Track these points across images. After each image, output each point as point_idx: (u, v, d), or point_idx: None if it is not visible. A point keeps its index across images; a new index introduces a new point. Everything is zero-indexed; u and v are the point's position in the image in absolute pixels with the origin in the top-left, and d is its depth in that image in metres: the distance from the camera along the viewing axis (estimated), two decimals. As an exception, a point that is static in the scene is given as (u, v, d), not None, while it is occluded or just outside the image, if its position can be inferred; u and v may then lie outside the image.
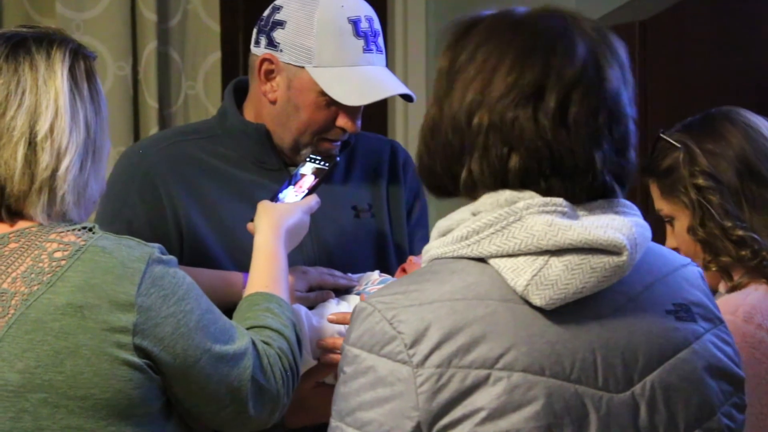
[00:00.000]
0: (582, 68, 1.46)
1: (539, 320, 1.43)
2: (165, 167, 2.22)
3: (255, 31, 2.24)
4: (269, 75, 2.20)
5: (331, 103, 2.17)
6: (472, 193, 1.49)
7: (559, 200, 1.45)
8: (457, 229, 1.48)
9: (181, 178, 2.22)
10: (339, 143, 2.25)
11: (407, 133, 3.82)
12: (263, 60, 2.20)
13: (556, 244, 1.42)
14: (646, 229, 1.50)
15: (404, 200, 2.37)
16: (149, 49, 3.32)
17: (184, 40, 3.44)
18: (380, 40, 2.21)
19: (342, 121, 2.20)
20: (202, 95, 3.44)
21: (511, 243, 1.43)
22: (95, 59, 1.84)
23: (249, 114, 2.28)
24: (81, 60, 1.79)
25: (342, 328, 2.10)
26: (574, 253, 1.42)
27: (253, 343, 1.81)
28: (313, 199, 2.10)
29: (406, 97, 2.23)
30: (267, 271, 1.98)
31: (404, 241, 2.35)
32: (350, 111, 2.20)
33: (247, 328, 1.85)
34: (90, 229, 1.76)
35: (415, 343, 1.41)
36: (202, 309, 1.76)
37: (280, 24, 2.18)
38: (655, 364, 1.48)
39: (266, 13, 2.23)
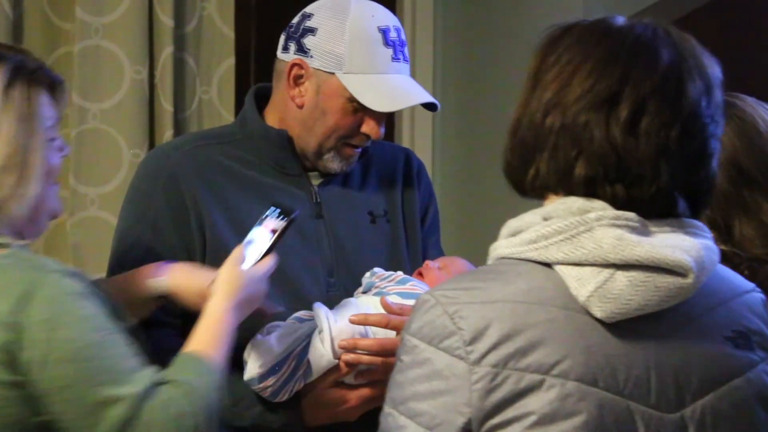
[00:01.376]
0: (661, 80, 1.46)
1: (598, 332, 1.44)
2: (189, 170, 2.26)
3: (283, 37, 2.28)
4: (298, 80, 2.25)
5: (359, 109, 2.22)
6: (538, 192, 1.52)
7: (631, 215, 1.46)
8: (527, 231, 1.48)
9: (204, 182, 2.25)
10: (360, 149, 2.30)
11: (413, 141, 3.86)
12: (293, 65, 2.24)
13: (623, 258, 1.43)
14: (714, 253, 1.50)
15: (418, 207, 2.41)
16: (166, 53, 3.35)
17: (199, 46, 3.47)
18: (406, 50, 2.26)
19: (367, 128, 2.25)
20: (215, 100, 3.47)
21: (578, 252, 1.44)
22: (59, 83, 1.86)
23: (271, 119, 2.32)
24: (22, 79, 1.81)
25: (362, 329, 2.14)
26: (640, 269, 1.43)
27: (147, 395, 1.73)
28: (272, 260, 2.05)
29: (431, 106, 2.28)
30: (208, 332, 1.91)
31: (418, 246, 2.40)
32: (376, 118, 2.24)
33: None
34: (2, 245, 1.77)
35: (473, 340, 1.43)
36: (87, 342, 1.72)
37: (311, 31, 2.23)
38: (707, 389, 1.48)
39: (296, 20, 2.27)
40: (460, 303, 1.45)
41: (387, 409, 1.49)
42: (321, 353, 2.12)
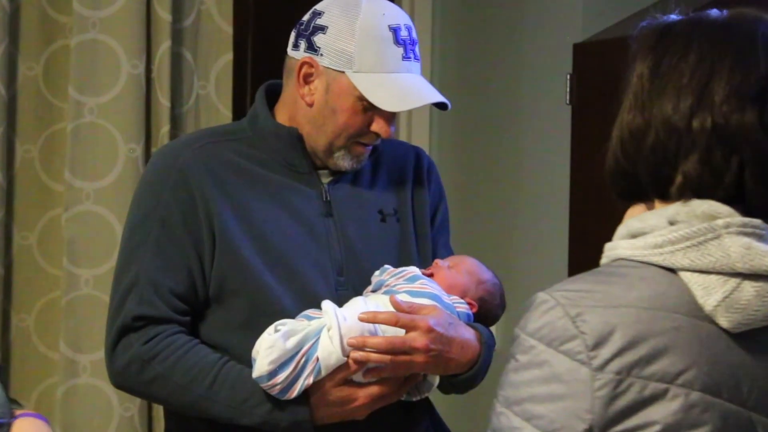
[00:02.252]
0: None
1: (723, 342, 1.42)
2: (198, 167, 2.25)
3: (293, 34, 2.28)
4: (308, 78, 2.25)
5: (368, 108, 2.22)
6: (684, 196, 1.46)
7: (759, 222, 1.43)
8: (651, 234, 1.46)
9: (213, 179, 2.25)
10: (371, 147, 2.30)
11: (411, 139, 3.86)
12: (303, 63, 2.24)
13: (752, 268, 1.41)
14: None
15: (428, 206, 2.41)
16: (163, 48, 3.33)
17: (197, 41, 3.45)
18: (417, 49, 2.26)
19: (377, 126, 2.25)
20: (213, 95, 3.46)
21: (705, 260, 1.42)
22: None
23: (281, 117, 2.32)
24: None
25: (371, 326, 2.14)
26: (766, 279, 1.41)
27: None
28: None
29: (441, 106, 2.28)
30: None
31: (428, 245, 2.39)
32: (386, 116, 2.24)
33: None
34: None
35: (597, 345, 1.40)
36: None
37: (321, 29, 2.23)
38: None
39: (306, 17, 2.27)
40: (582, 305, 1.42)
41: (500, 408, 1.45)
42: (330, 351, 2.12)
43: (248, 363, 2.15)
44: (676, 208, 1.46)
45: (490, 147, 3.84)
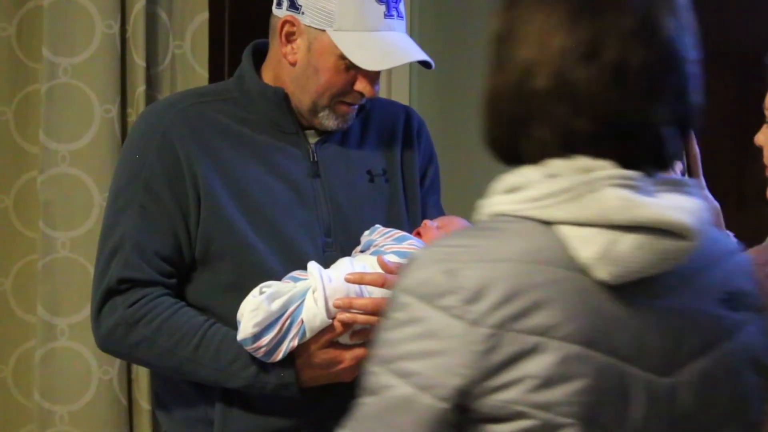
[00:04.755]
0: (639, 21, 1.42)
1: (599, 294, 1.41)
2: (183, 128, 2.23)
3: None
4: (290, 37, 2.23)
5: (351, 67, 2.20)
6: (538, 160, 1.45)
7: (636, 174, 1.42)
8: (529, 188, 1.43)
9: (198, 140, 2.23)
10: (356, 106, 2.28)
11: (390, 96, 3.83)
12: (284, 22, 2.22)
13: (629, 220, 1.39)
14: (708, 213, 1.48)
15: (418, 166, 2.39)
16: (138, 7, 3.29)
17: (171, 0, 3.42)
18: (401, 6, 2.24)
19: (360, 86, 2.23)
20: (189, 55, 3.42)
21: (583, 212, 1.40)
22: None
23: (267, 76, 2.30)
24: None
25: (357, 288, 2.13)
26: (644, 231, 1.40)
27: None
28: None
29: (425, 64, 2.26)
30: None
31: (418, 206, 2.38)
32: (369, 76, 2.22)
33: None
34: None
35: (473, 300, 1.38)
36: None
37: None
38: (700, 352, 1.46)
39: (289, -25, 2.25)
40: (458, 261, 1.40)
41: (375, 368, 1.43)
42: (314, 312, 2.11)
43: (234, 325, 2.14)
44: (557, 163, 1.44)
45: (471, 104, 3.81)
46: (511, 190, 1.45)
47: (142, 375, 3.29)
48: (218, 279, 2.22)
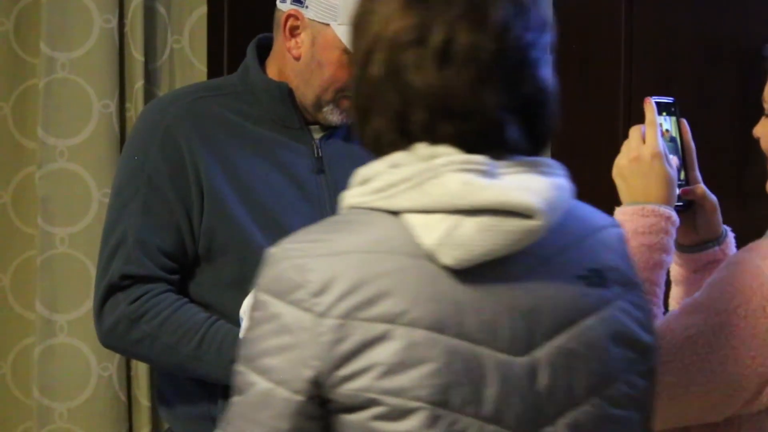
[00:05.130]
0: (468, 6, 1.44)
1: (446, 279, 1.43)
2: (186, 123, 2.23)
3: None
4: (294, 31, 2.23)
5: (355, 61, 2.19)
6: (378, 150, 1.49)
7: (480, 158, 1.43)
8: (375, 180, 1.47)
9: (202, 134, 2.22)
10: None
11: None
12: (288, 16, 2.22)
13: (471, 203, 1.41)
14: (566, 191, 1.48)
15: None
16: (136, 2, 3.27)
17: (170, -6, 3.42)
18: (405, -1, 2.23)
19: None
20: (187, 49, 3.41)
21: (425, 199, 1.42)
22: None
23: (272, 71, 2.29)
24: None
25: None
26: (487, 214, 1.41)
27: None
28: None
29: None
30: None
31: None
32: (373, 70, 2.22)
33: None
34: None
35: (320, 292, 1.41)
36: None
37: None
38: (558, 330, 1.46)
39: (293, -32, 2.24)
40: (307, 255, 1.43)
41: (240, 367, 1.46)
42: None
43: (237, 322, 2.14)
44: (401, 153, 1.46)
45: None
46: (363, 182, 1.49)
47: (141, 372, 3.28)
48: (221, 275, 2.22)
